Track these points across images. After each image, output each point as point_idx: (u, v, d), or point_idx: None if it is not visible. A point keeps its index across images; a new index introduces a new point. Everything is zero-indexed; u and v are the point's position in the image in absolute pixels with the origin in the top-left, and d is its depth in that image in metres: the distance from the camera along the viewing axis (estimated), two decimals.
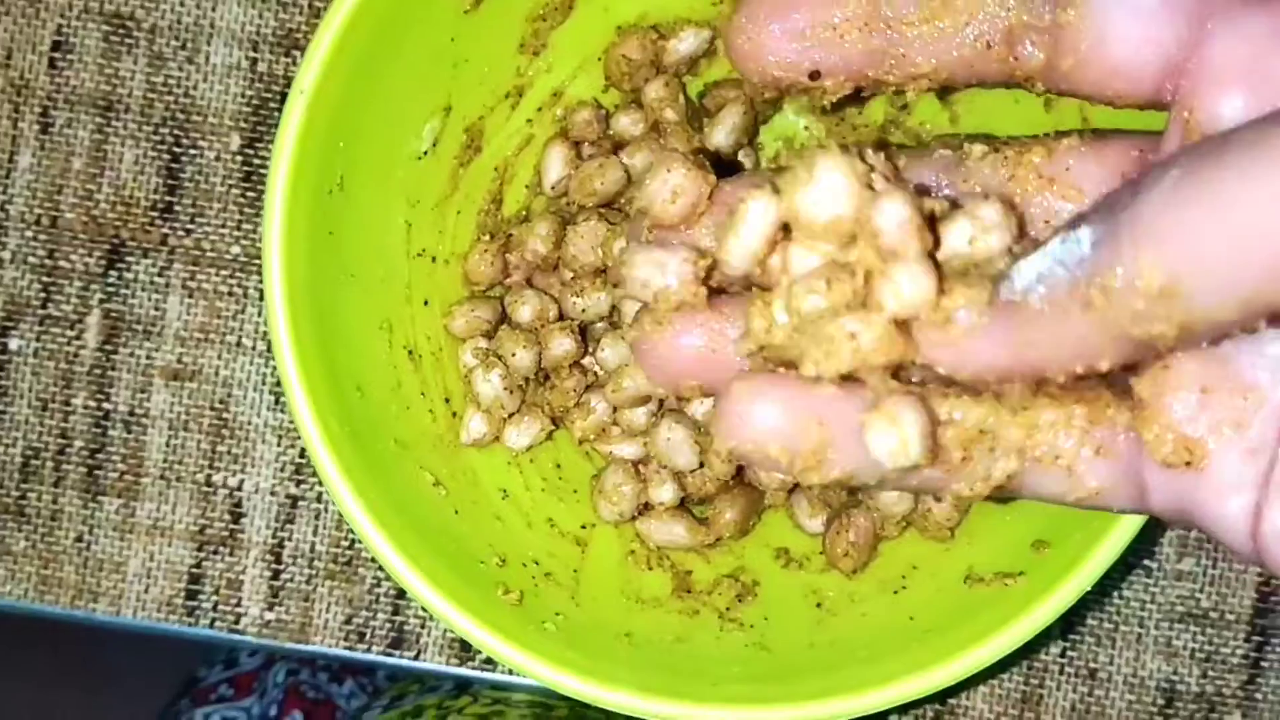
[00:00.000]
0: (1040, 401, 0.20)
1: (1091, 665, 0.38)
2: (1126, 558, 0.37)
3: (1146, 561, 0.37)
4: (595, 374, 0.34)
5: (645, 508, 0.33)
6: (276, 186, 0.27)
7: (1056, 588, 0.27)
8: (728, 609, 0.32)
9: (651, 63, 0.34)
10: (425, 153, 0.32)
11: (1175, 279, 0.17)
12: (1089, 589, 0.27)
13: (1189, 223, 0.17)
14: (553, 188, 0.34)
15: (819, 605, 0.32)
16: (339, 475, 0.28)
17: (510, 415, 0.33)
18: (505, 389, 0.32)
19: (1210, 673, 0.38)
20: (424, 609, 0.28)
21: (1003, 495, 0.21)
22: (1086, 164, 0.22)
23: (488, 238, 0.34)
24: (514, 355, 0.32)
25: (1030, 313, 0.19)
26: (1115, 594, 0.38)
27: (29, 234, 0.38)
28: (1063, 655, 0.38)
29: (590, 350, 0.34)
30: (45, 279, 0.38)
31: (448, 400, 0.33)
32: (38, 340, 0.38)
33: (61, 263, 0.38)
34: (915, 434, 0.19)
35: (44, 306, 0.38)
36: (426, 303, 0.33)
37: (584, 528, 0.34)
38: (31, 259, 0.38)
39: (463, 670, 0.38)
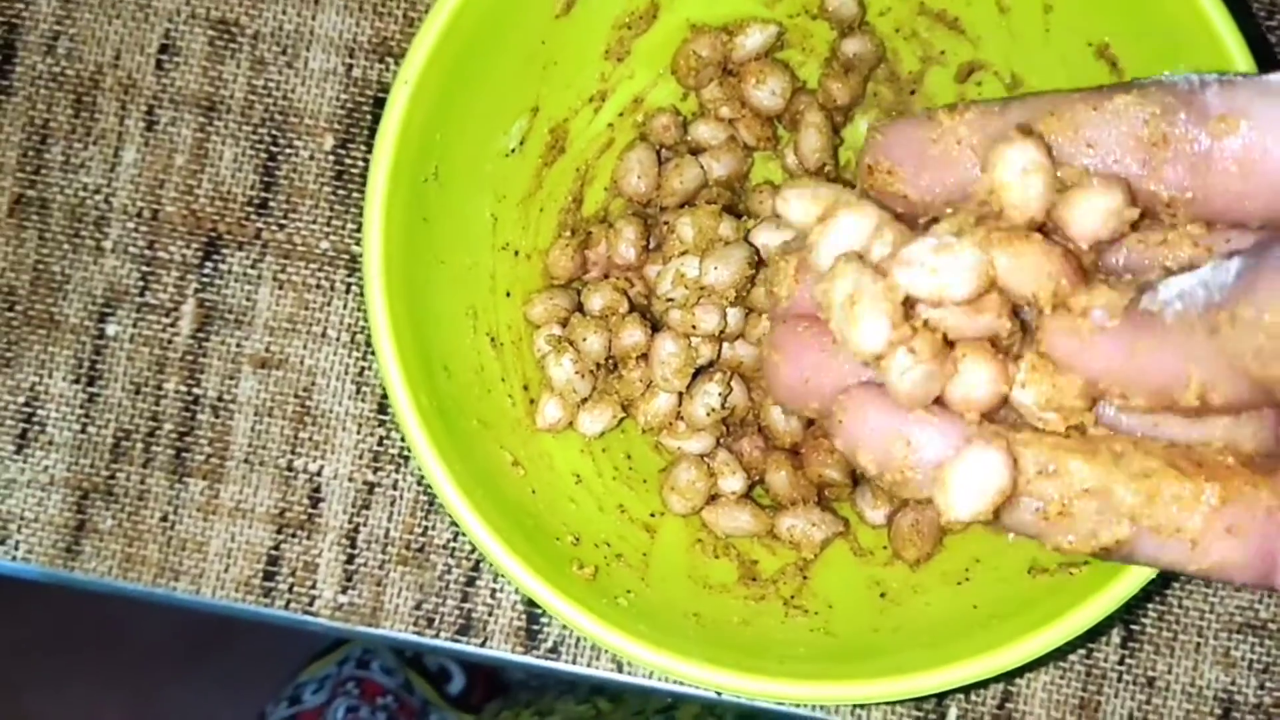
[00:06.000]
0: (1166, 473, 0.20)
1: (1150, 674, 0.38)
2: None
3: None
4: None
5: (712, 498, 0.34)
6: (380, 168, 0.29)
7: (1121, 574, 0.28)
8: (792, 597, 0.33)
9: (719, 63, 0.35)
10: (513, 150, 0.34)
11: None
12: (1153, 578, 0.28)
13: None
14: (631, 190, 0.35)
15: (883, 595, 0.33)
16: (427, 445, 0.29)
17: (583, 401, 0.34)
18: (577, 373, 0.33)
19: (1269, 684, 0.38)
20: (501, 575, 0.29)
21: (1112, 558, 0.21)
22: None
23: (568, 234, 0.36)
24: (585, 340, 0.33)
25: (1161, 326, 0.19)
26: (1175, 603, 0.38)
27: (130, 225, 0.40)
28: (1121, 663, 0.38)
29: None
30: (144, 268, 0.40)
31: (526, 388, 0.34)
32: (134, 326, 0.40)
33: (160, 253, 0.40)
34: (991, 489, 0.19)
35: (142, 294, 0.40)
36: (509, 294, 0.35)
37: (653, 515, 0.35)
38: (132, 249, 0.40)
39: (526, 659, 0.39)
